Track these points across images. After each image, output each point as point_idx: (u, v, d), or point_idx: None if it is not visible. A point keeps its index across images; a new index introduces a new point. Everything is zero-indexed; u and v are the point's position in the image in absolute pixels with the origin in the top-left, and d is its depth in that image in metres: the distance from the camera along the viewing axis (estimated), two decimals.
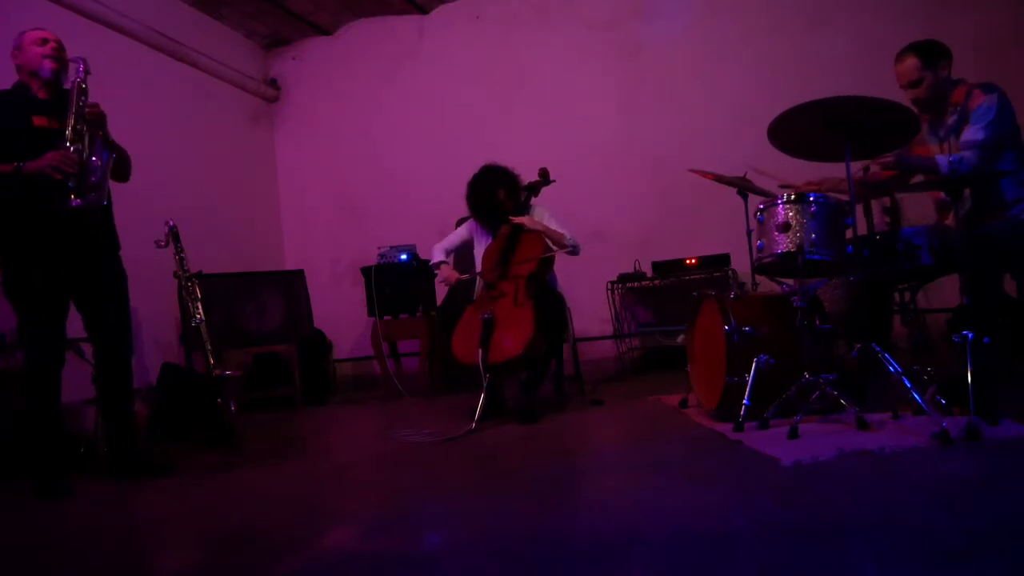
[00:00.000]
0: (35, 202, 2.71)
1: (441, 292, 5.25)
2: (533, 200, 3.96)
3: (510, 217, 3.73)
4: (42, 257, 2.75)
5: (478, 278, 3.85)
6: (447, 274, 3.88)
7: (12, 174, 2.65)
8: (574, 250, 3.75)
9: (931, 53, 2.99)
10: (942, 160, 2.88)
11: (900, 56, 3.06)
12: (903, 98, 2.89)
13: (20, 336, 2.86)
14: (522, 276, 3.54)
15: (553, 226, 3.76)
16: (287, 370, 4.88)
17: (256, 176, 6.44)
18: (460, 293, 3.95)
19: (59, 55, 2.88)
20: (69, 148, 2.71)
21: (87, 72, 2.82)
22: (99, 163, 2.78)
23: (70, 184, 2.68)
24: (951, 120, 3.02)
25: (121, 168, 3.01)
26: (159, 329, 4.86)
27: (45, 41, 2.87)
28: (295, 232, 6.59)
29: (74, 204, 2.70)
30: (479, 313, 3.47)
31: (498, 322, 3.40)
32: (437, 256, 3.99)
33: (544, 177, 3.97)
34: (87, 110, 2.78)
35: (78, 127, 2.75)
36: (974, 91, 2.95)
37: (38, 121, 2.80)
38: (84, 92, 2.80)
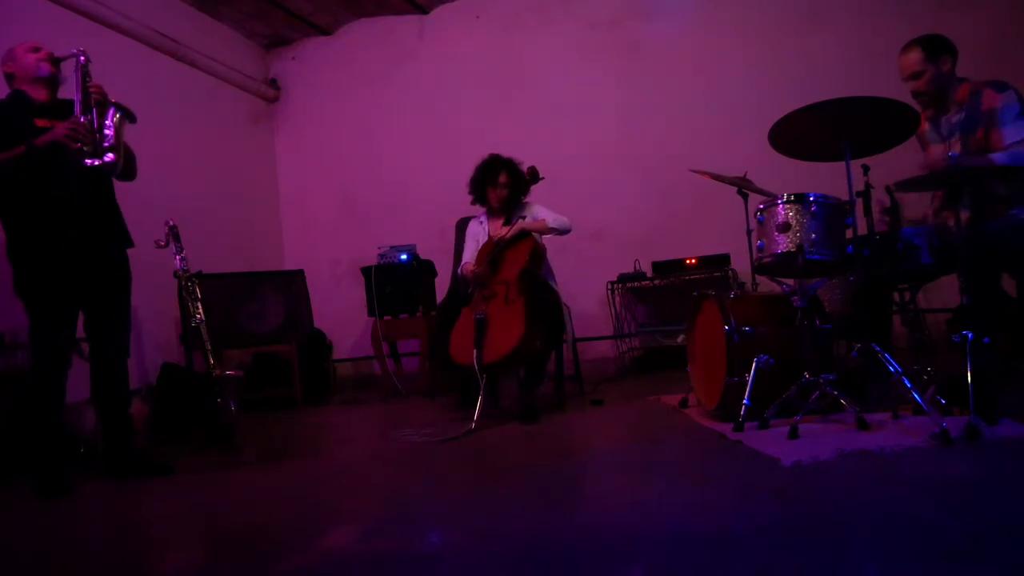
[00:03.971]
0: (46, 187, 2.75)
1: (441, 292, 5.27)
2: (524, 199, 3.98)
3: (491, 237, 3.81)
4: (54, 251, 2.78)
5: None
6: (471, 266, 3.87)
7: (25, 154, 2.68)
8: (562, 231, 3.82)
9: (935, 46, 2.97)
10: (999, 157, 2.78)
11: (905, 49, 3.04)
12: (901, 95, 2.89)
13: (31, 338, 2.85)
14: (512, 274, 3.58)
15: (542, 216, 3.82)
16: (287, 370, 4.88)
17: (256, 176, 6.43)
18: (459, 294, 3.96)
19: (53, 60, 2.94)
20: (80, 119, 2.78)
21: (88, 60, 2.88)
22: (110, 131, 2.85)
23: (84, 148, 2.75)
24: (956, 118, 2.99)
25: (128, 165, 3.03)
26: (159, 329, 4.85)
27: (37, 49, 2.95)
28: (295, 232, 6.58)
29: (88, 163, 2.77)
30: (472, 314, 3.49)
31: (491, 321, 3.42)
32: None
33: (533, 176, 3.99)
34: (91, 88, 2.85)
35: (86, 100, 2.83)
36: (984, 90, 2.90)
37: (40, 123, 2.83)
38: (88, 73, 2.87)
